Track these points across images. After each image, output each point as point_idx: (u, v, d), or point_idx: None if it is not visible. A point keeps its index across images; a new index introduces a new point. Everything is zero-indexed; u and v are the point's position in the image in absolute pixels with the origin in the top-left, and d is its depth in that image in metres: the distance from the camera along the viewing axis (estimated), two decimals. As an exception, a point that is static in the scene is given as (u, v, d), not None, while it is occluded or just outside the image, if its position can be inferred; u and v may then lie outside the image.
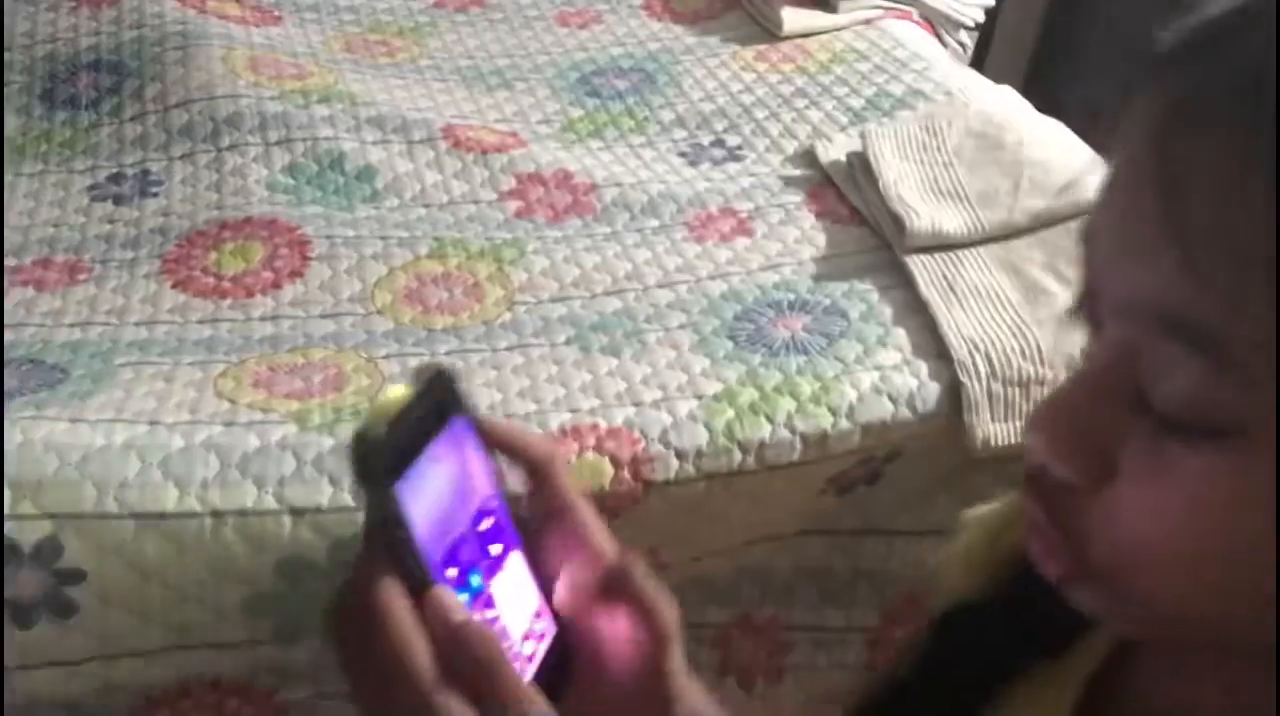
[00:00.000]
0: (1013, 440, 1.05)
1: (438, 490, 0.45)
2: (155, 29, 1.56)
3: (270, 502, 0.91)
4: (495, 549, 0.49)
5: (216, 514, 0.90)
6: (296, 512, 0.91)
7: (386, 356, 1.10)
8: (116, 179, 1.34)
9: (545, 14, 1.81)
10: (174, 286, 1.17)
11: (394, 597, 0.45)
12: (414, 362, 1.09)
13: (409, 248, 1.25)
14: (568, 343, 1.12)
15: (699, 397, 1.03)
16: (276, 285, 1.18)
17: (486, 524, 0.49)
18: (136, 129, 1.41)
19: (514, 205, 1.34)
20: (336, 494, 0.92)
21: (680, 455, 0.98)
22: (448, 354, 1.11)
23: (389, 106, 1.48)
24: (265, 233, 1.24)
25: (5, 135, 1.40)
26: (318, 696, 1.03)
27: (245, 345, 1.10)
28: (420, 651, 0.44)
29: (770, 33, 1.71)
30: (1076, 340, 1.21)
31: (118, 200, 1.31)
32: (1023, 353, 1.07)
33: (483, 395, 1.04)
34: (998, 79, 1.63)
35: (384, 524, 0.44)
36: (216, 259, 1.21)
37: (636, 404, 1.02)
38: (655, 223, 1.32)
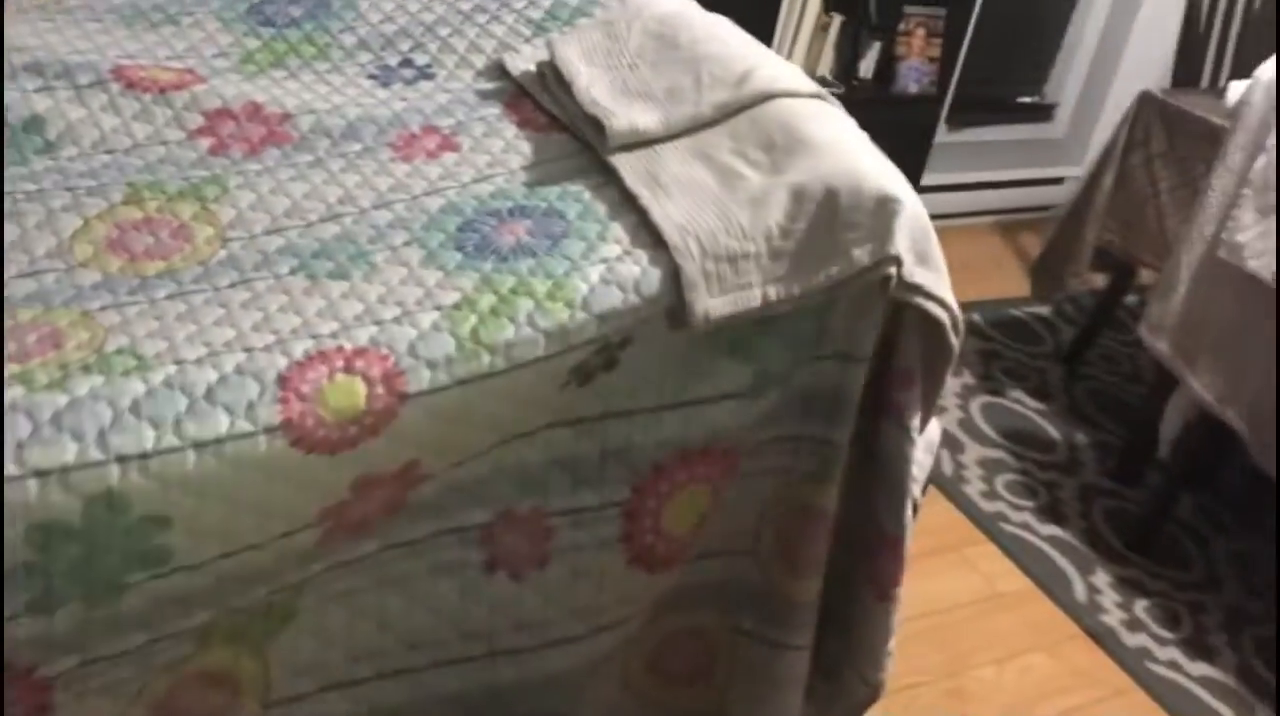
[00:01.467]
0: (727, 312, 1.15)
1: None
2: None
3: (12, 469, 0.86)
4: None
5: (-47, 489, 0.85)
6: (41, 474, 0.87)
7: (102, 308, 1.05)
8: None
9: (197, -57, 1.72)
10: None
11: None
12: (133, 312, 1.05)
13: (101, 196, 1.19)
14: (292, 272, 1.11)
15: (439, 308, 1.05)
16: (-41, 249, 1.09)
17: None
18: None
19: (206, 142, 1.30)
20: (82, 449, 0.89)
21: (431, 365, 1.01)
22: (167, 298, 1.07)
23: (44, 51, 1.38)
24: (-68, 195, 1.14)
25: None
26: (83, 664, 0.99)
27: (-61, 315, 1.01)
28: None
29: (438, -49, 1.72)
30: (770, 215, 1.31)
31: None
32: (727, 231, 1.16)
33: (215, 334, 1.02)
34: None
35: None
36: (-119, 228, 1.10)
37: (378, 322, 1.03)
38: (358, 146, 1.31)
